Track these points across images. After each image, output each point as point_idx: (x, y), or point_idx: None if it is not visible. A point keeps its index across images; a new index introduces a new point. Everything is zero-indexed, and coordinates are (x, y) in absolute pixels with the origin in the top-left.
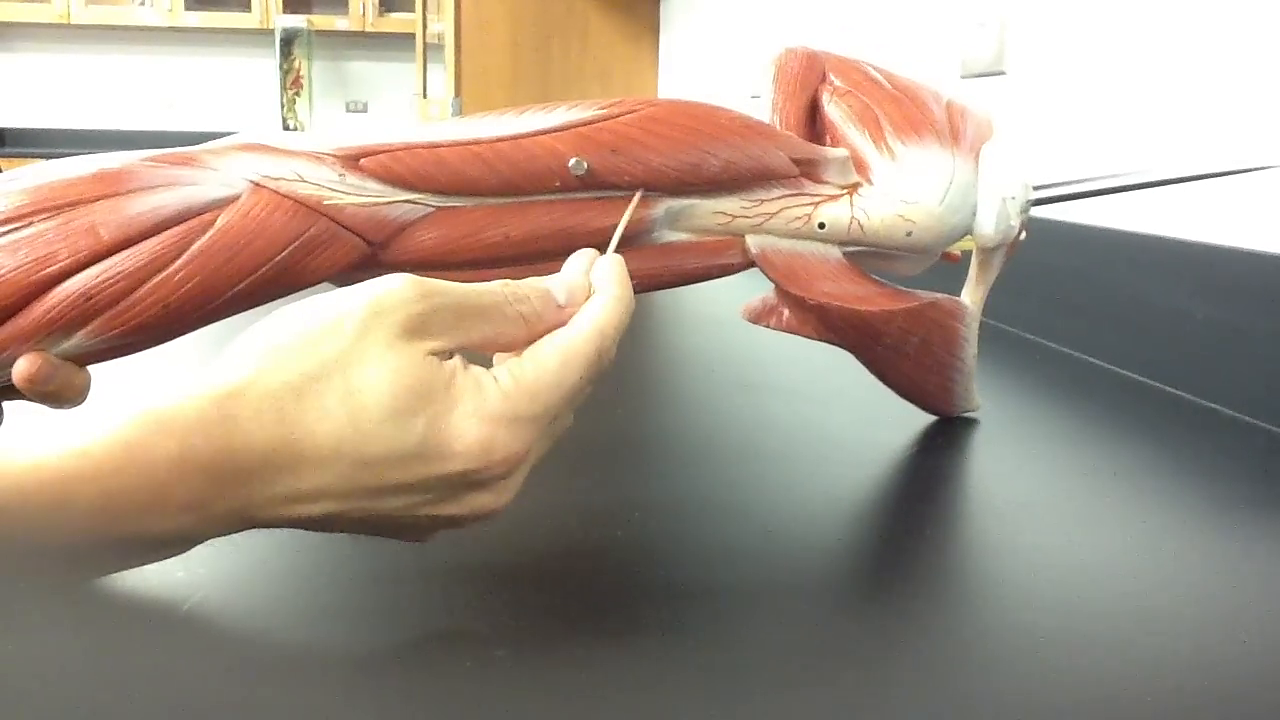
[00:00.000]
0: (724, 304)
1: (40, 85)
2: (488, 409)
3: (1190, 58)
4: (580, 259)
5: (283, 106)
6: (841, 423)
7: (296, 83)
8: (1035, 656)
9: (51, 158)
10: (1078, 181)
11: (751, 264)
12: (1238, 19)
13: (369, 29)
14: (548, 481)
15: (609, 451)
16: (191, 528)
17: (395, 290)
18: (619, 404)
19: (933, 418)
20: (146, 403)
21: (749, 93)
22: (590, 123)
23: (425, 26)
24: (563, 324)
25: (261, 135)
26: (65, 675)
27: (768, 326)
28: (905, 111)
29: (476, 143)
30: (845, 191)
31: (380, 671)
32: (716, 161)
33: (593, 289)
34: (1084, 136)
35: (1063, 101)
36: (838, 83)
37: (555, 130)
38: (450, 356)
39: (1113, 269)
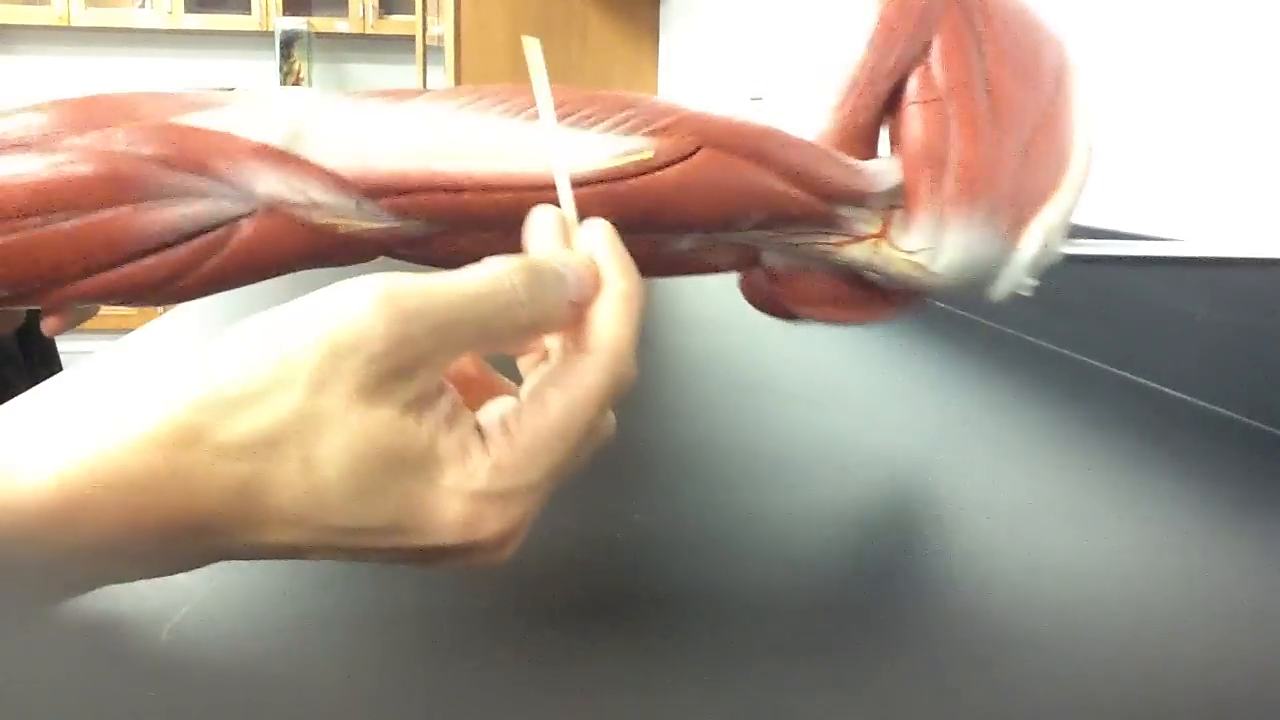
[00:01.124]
0: (723, 305)
1: (40, 87)
2: (474, 485)
3: (1189, 65)
4: (552, 230)
5: None
6: (840, 424)
7: (296, 84)
8: (1034, 657)
9: None
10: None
11: (753, 265)
12: (1236, 26)
13: (369, 31)
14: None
15: (608, 452)
16: (154, 571)
17: (358, 325)
18: (617, 406)
19: (934, 419)
20: (91, 445)
21: (749, 94)
22: (625, 177)
23: (425, 29)
24: (571, 325)
25: (270, 106)
26: (55, 685)
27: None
28: (980, 156)
29: (503, 186)
30: (877, 232)
31: (380, 674)
32: (753, 218)
33: (599, 277)
34: None
35: None
36: (935, 74)
37: (585, 184)
38: (437, 396)
39: (1112, 271)
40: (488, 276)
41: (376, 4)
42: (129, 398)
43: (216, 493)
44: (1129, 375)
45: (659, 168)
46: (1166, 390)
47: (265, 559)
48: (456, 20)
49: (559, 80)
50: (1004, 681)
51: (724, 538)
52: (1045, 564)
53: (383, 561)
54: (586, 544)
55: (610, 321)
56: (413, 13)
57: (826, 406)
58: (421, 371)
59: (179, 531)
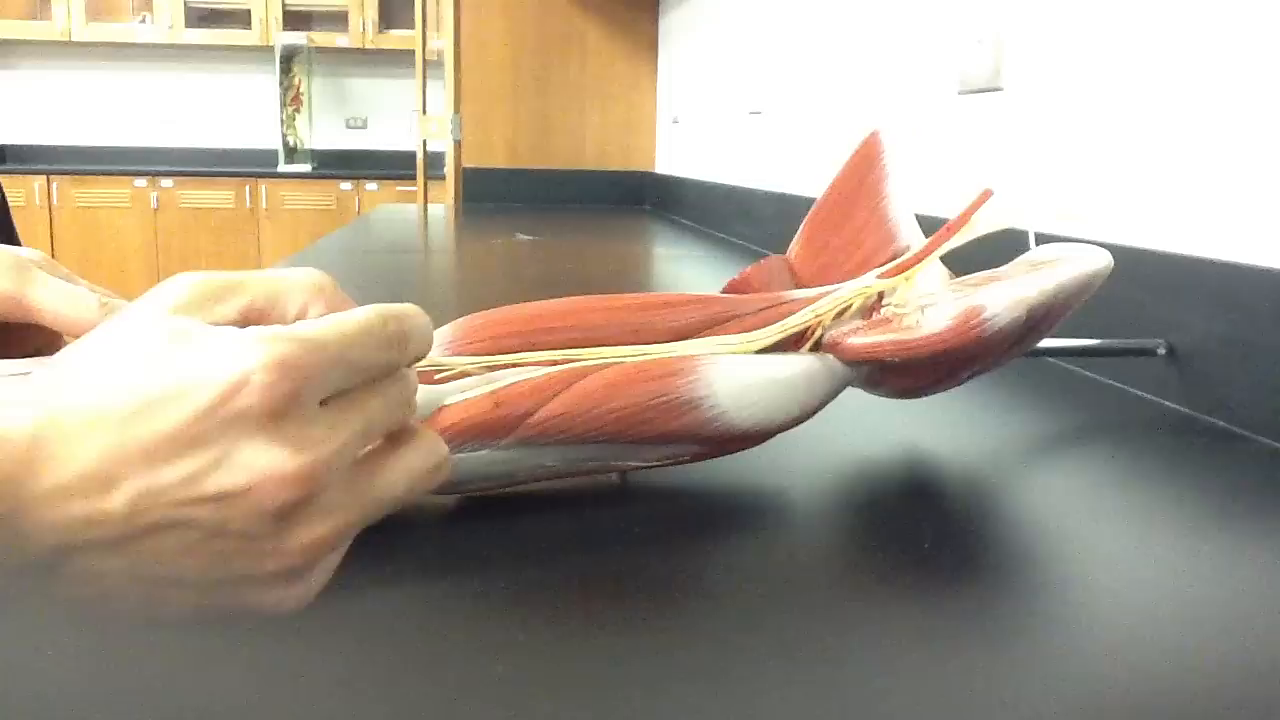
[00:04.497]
0: None
1: (41, 102)
2: (253, 332)
3: (1187, 73)
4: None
5: (283, 123)
6: (839, 428)
7: (296, 99)
8: (1034, 657)
9: (52, 174)
10: None
11: None
12: (1234, 33)
13: (369, 46)
14: (546, 489)
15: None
16: None
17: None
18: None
19: (931, 429)
20: None
21: (748, 109)
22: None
23: (425, 43)
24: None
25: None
26: (56, 680)
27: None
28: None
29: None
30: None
31: (380, 677)
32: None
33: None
34: (1080, 153)
35: (1059, 118)
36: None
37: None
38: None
39: (1111, 282)
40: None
41: (376, 19)
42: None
43: (20, 417)
44: (1128, 388)
45: None
46: (1165, 403)
47: (79, 589)
48: (456, 35)
49: (558, 96)
50: (1004, 682)
51: (723, 540)
52: (1043, 569)
53: (185, 502)
54: (587, 548)
55: (427, 438)
56: (412, 28)
57: (823, 410)
58: (221, 307)
59: None
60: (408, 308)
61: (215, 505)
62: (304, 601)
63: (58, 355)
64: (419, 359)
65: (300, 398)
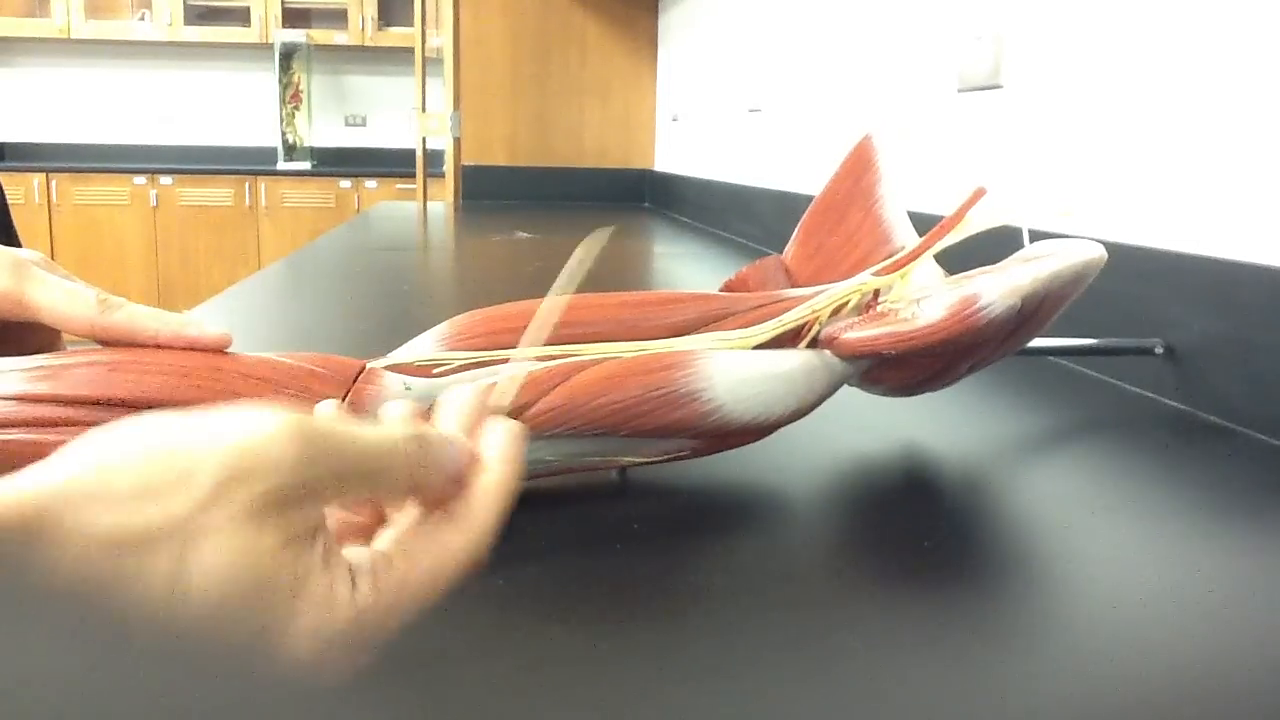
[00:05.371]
0: None
1: (40, 99)
2: (332, 628)
3: (1186, 71)
4: (464, 410)
5: (282, 121)
6: (837, 426)
7: (296, 97)
8: (1032, 655)
9: (52, 172)
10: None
11: None
12: (1232, 31)
13: (368, 43)
14: (545, 495)
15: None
16: None
17: (268, 451)
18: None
19: (928, 427)
20: None
21: (747, 106)
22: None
23: (424, 41)
24: (448, 496)
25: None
26: (59, 683)
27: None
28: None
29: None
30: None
31: (380, 681)
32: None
33: (479, 460)
34: (1079, 149)
35: (1058, 114)
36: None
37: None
38: (317, 533)
39: (1110, 280)
40: (386, 437)
41: (376, 16)
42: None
43: (70, 551)
44: (1126, 386)
45: None
46: (1164, 400)
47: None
48: (455, 32)
49: (558, 93)
50: (1001, 683)
51: (723, 542)
52: (1041, 569)
53: None
54: (587, 551)
55: (482, 499)
56: (412, 25)
57: (821, 413)
58: (309, 507)
59: None
60: (437, 432)
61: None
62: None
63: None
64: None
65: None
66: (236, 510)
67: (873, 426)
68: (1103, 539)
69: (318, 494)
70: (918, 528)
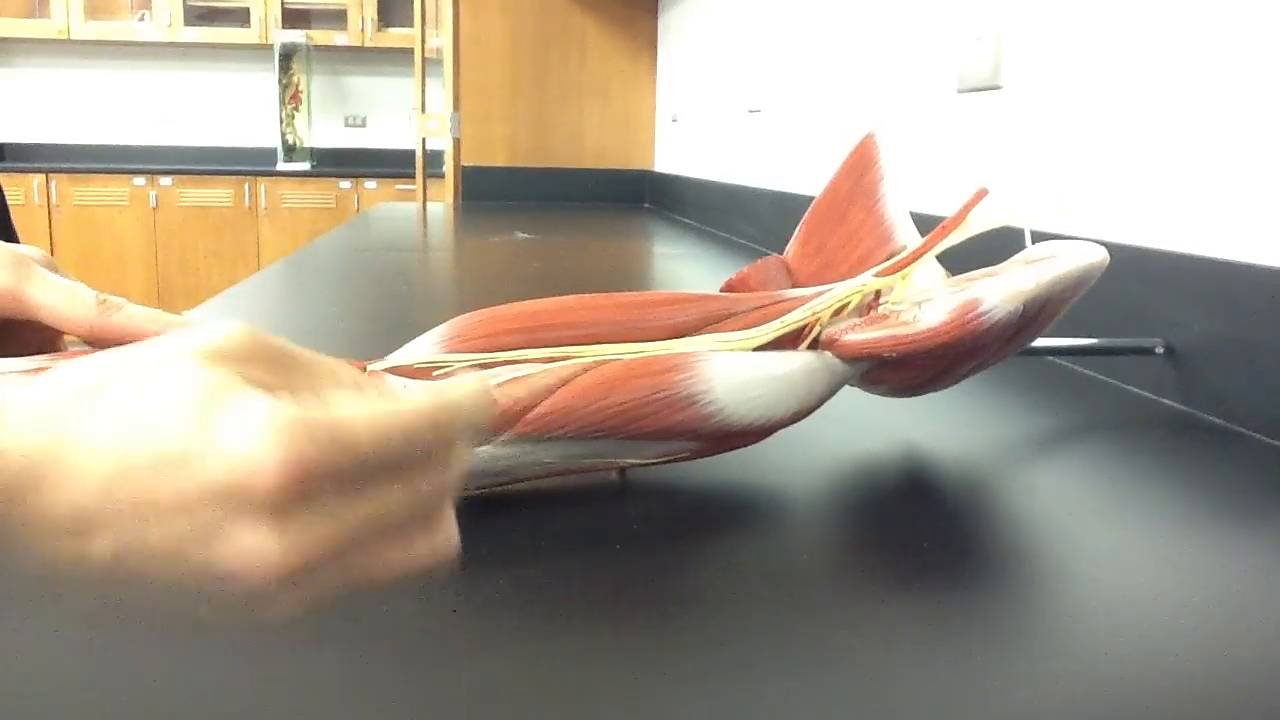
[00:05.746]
0: None
1: (40, 100)
2: (280, 412)
3: (1186, 71)
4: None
5: (282, 121)
6: (837, 427)
7: (295, 97)
8: (1031, 655)
9: (51, 172)
10: None
11: None
12: (1232, 31)
13: (368, 44)
14: (545, 496)
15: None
16: None
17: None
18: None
19: (928, 427)
20: None
21: (747, 107)
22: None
23: (424, 41)
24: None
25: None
26: (60, 677)
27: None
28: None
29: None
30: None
31: (380, 680)
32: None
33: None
34: (1079, 150)
35: (1058, 115)
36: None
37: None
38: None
39: (1110, 280)
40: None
41: (375, 17)
42: None
43: (23, 436)
44: (1126, 386)
45: None
46: (1164, 401)
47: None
48: (455, 33)
49: (557, 94)
50: (999, 683)
51: (722, 544)
52: (1041, 570)
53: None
54: (586, 553)
55: (454, 384)
56: (411, 26)
57: (820, 414)
58: (266, 374)
59: None
60: (465, 392)
61: (197, 575)
62: (289, 562)
63: (80, 360)
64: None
65: (311, 498)
66: (188, 359)
67: (872, 427)
68: (1102, 539)
69: (268, 364)
70: (917, 528)
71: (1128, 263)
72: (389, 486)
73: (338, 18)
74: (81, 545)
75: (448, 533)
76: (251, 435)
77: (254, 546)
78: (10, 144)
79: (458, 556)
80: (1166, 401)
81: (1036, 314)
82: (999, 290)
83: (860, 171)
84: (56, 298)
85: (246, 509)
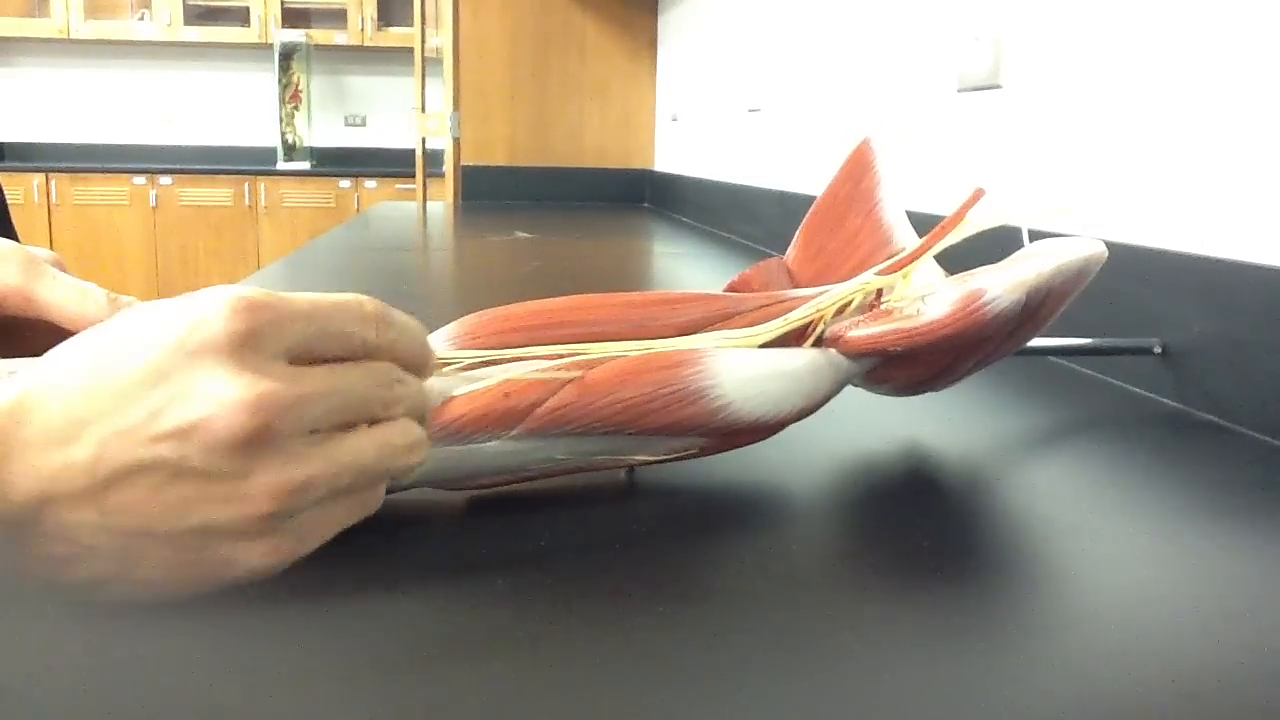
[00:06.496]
0: None
1: (40, 99)
2: (230, 289)
3: (1185, 71)
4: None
5: (281, 121)
6: (839, 425)
7: (295, 97)
8: (1031, 654)
9: (51, 172)
10: None
11: None
12: (1232, 31)
13: (368, 43)
14: (546, 495)
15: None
16: None
17: (214, 310)
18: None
19: (929, 426)
20: None
21: (747, 106)
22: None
23: (424, 41)
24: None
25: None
26: (56, 672)
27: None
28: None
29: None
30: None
31: (380, 679)
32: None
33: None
34: (1079, 149)
35: (1057, 115)
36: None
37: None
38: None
39: (1109, 280)
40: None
41: (375, 16)
42: None
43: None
44: (1125, 385)
45: None
46: (1163, 400)
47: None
48: (455, 32)
49: (557, 93)
50: (999, 682)
51: (722, 544)
52: (1041, 571)
53: (152, 490)
54: (587, 554)
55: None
56: (411, 25)
57: (820, 414)
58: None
59: None
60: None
61: (176, 441)
62: (277, 562)
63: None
64: (409, 358)
65: (260, 335)
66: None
67: (873, 426)
68: (1101, 538)
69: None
70: (917, 527)
71: (1126, 262)
72: (342, 366)
73: (338, 17)
74: (68, 454)
75: (409, 426)
76: (195, 301)
77: (221, 390)
78: (10, 143)
79: (423, 448)
80: (1165, 400)
81: (1039, 306)
82: (1002, 281)
83: (857, 177)
84: (67, 296)
85: (206, 360)
